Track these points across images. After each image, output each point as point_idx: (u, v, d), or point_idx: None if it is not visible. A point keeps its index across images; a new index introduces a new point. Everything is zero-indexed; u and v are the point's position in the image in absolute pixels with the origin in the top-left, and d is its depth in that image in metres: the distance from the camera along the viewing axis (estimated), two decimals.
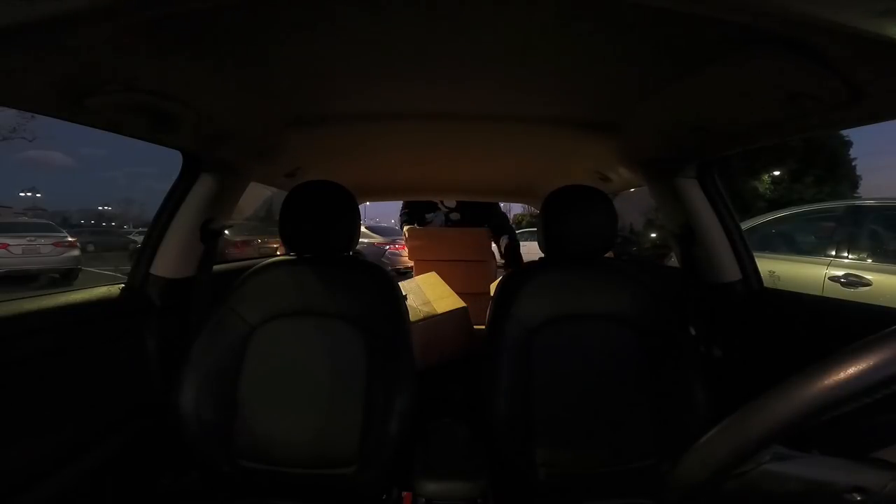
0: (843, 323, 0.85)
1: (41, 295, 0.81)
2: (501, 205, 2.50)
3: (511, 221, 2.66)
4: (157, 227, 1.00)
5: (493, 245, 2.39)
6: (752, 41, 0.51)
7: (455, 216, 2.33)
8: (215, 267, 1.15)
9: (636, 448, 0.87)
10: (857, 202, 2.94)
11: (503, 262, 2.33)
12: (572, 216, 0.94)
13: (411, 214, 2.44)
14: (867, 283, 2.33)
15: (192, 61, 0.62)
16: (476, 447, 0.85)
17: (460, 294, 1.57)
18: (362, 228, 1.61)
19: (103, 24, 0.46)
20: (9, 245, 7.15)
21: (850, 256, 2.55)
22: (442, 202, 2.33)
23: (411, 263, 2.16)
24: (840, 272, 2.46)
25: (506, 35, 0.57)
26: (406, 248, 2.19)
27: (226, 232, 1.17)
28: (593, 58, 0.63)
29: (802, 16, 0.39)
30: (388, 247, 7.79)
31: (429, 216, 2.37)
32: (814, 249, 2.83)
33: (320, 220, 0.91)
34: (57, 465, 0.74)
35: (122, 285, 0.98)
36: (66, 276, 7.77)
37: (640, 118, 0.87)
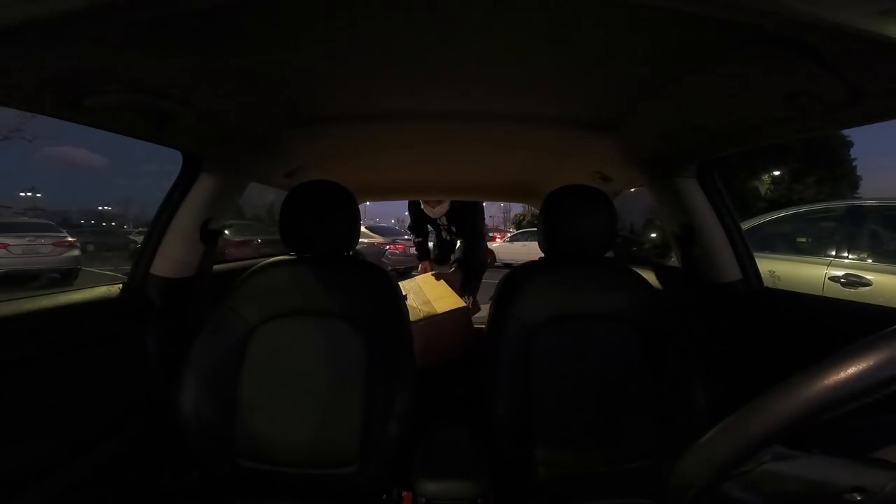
0: (843, 323, 0.85)
1: (41, 295, 0.81)
2: (502, 204, 2.51)
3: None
4: (157, 227, 1.00)
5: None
6: (752, 41, 0.51)
7: (448, 228, 2.31)
8: (215, 267, 1.15)
9: (636, 448, 0.87)
10: (857, 202, 2.94)
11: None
12: (572, 216, 0.93)
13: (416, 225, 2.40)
14: (867, 283, 2.33)
15: (192, 61, 0.62)
16: (476, 447, 0.85)
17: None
18: (362, 228, 1.61)
19: (103, 23, 0.46)
20: (9, 245, 7.15)
21: (850, 256, 2.55)
22: (435, 221, 2.27)
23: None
24: (840, 272, 2.46)
25: (506, 35, 0.57)
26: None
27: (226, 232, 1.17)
28: (593, 58, 0.63)
29: (802, 16, 0.39)
30: (388, 247, 7.79)
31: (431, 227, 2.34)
32: (814, 249, 2.83)
33: (320, 219, 0.91)
34: (57, 464, 0.74)
35: (122, 285, 0.98)
36: (66, 276, 7.77)
37: (640, 118, 0.87)
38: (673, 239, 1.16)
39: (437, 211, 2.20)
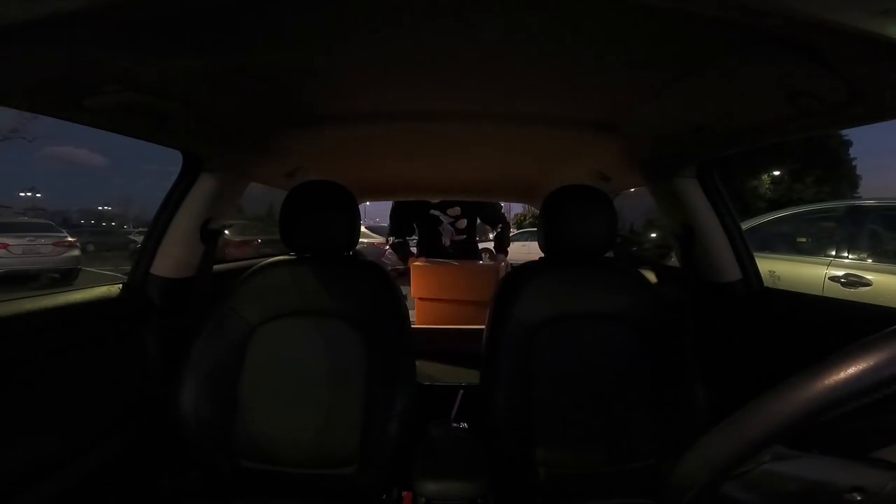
0: (843, 323, 0.85)
1: (41, 295, 0.81)
2: (502, 204, 2.50)
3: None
4: (157, 227, 1.00)
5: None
6: (752, 41, 0.51)
7: (461, 224, 2.30)
8: (215, 267, 1.15)
9: (636, 448, 0.87)
10: (857, 202, 2.94)
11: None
12: (572, 216, 0.93)
13: (421, 232, 2.36)
14: (867, 283, 2.33)
15: (191, 61, 0.62)
16: (476, 447, 0.85)
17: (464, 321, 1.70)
18: (362, 228, 1.61)
19: (103, 23, 0.46)
20: (9, 245, 7.16)
21: (850, 256, 2.55)
22: (445, 212, 2.26)
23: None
24: (840, 272, 2.46)
25: (506, 35, 0.57)
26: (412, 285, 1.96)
27: (226, 232, 1.17)
28: (593, 58, 0.63)
29: (802, 16, 0.39)
30: (388, 247, 7.77)
31: (441, 229, 2.31)
32: (814, 249, 2.84)
33: (320, 219, 0.91)
34: (57, 464, 0.74)
35: (122, 285, 0.98)
36: (65, 276, 7.77)
37: (640, 118, 0.87)
38: (673, 239, 1.16)
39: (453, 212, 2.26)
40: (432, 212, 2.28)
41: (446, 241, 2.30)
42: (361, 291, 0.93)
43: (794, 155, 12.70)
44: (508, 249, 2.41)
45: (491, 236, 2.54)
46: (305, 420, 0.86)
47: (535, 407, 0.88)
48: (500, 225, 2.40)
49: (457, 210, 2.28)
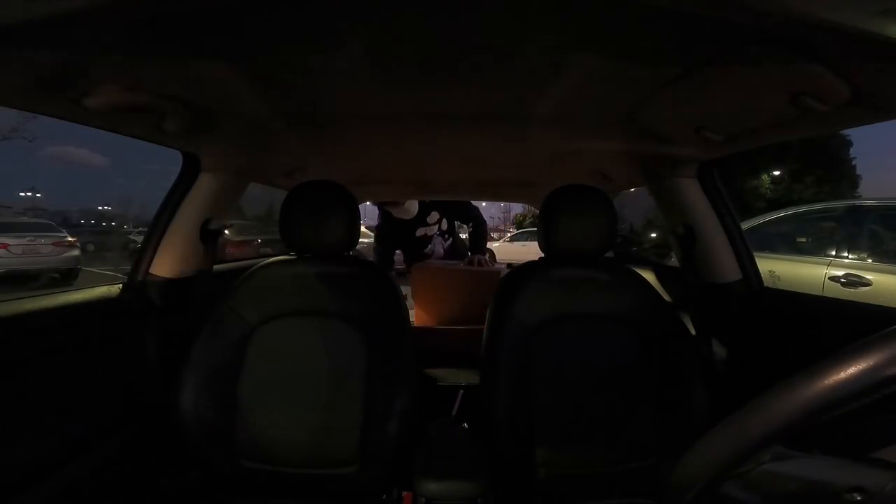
0: (843, 323, 0.85)
1: (41, 295, 0.81)
2: (502, 204, 2.49)
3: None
4: (157, 227, 1.00)
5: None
6: (752, 41, 0.51)
7: (444, 225, 2.24)
8: (215, 267, 1.15)
9: (636, 448, 0.87)
10: (857, 202, 2.94)
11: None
12: (572, 216, 0.93)
13: (408, 250, 2.24)
14: (867, 283, 2.33)
15: (192, 61, 0.62)
16: (476, 447, 0.85)
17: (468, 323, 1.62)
18: (362, 228, 1.60)
19: (103, 23, 0.46)
20: (9, 245, 7.16)
21: (850, 256, 2.55)
22: (425, 221, 2.13)
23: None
24: (840, 272, 2.46)
25: (506, 35, 0.57)
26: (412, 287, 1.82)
27: (226, 232, 1.17)
28: (593, 58, 0.63)
29: (803, 16, 0.39)
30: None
31: (428, 251, 2.21)
32: (814, 249, 2.84)
33: (320, 219, 0.91)
34: (57, 464, 0.74)
35: (122, 285, 0.98)
36: (66, 276, 7.77)
37: (640, 118, 0.87)
38: (673, 239, 1.16)
39: (406, 210, 2.07)
40: (419, 232, 2.16)
41: (440, 252, 2.25)
42: (361, 291, 0.93)
43: (794, 155, 12.70)
44: (493, 249, 2.29)
45: (464, 236, 2.42)
46: (305, 420, 0.86)
47: (534, 407, 0.88)
48: (471, 223, 2.19)
49: (435, 216, 2.17)
